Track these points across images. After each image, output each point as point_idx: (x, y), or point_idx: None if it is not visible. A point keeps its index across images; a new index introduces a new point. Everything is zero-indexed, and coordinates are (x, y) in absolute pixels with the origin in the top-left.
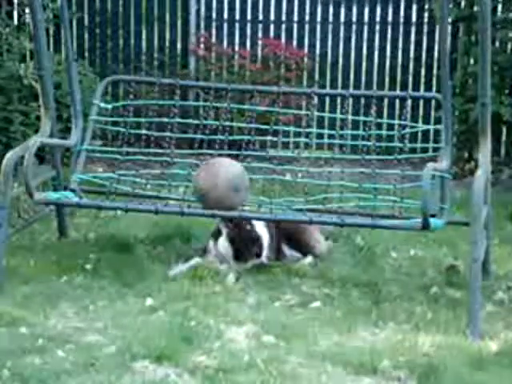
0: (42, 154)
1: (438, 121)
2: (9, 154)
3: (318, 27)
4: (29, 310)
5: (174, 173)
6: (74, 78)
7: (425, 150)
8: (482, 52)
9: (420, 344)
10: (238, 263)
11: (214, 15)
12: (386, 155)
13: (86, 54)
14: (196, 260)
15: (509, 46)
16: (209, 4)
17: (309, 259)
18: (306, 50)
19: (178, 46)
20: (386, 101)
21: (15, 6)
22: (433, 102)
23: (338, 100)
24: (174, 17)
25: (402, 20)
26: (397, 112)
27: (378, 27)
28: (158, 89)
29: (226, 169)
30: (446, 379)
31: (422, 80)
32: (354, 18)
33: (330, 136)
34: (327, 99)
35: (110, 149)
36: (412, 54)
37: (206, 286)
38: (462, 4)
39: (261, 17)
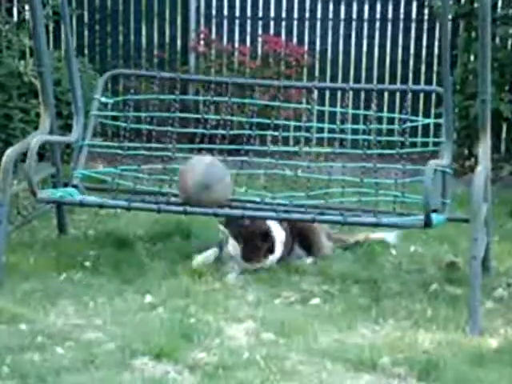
0: (41, 152)
1: (438, 116)
2: (8, 151)
3: (318, 24)
4: (28, 306)
5: (175, 168)
6: (74, 74)
7: (425, 145)
8: (482, 48)
9: (420, 341)
10: (248, 263)
11: (213, 12)
12: (387, 150)
13: (86, 51)
14: (214, 250)
15: (509, 43)
16: (209, 1)
17: (310, 258)
18: (306, 46)
19: (178, 42)
20: (386, 96)
21: (15, 2)
22: (433, 99)
23: (339, 95)
24: (173, 13)
25: (402, 16)
26: (397, 107)
27: (378, 24)
28: (159, 84)
29: (192, 172)
30: (446, 376)
31: (422, 77)
32: (354, 15)
33: (331, 130)
34: (328, 95)
35: (111, 143)
36: (412, 51)
37: (206, 283)
38: (462, 0)
39: (261, 14)
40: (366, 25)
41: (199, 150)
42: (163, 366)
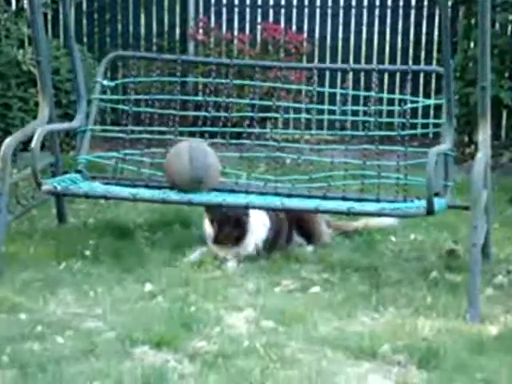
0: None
1: (438, 95)
2: (7, 140)
3: (318, 11)
4: (28, 296)
5: None
6: (76, 61)
7: (426, 126)
8: (482, 35)
9: (420, 328)
10: (217, 246)
11: (212, 0)
12: (388, 131)
13: (85, 40)
14: (201, 250)
15: (509, 29)
16: None
17: (311, 247)
18: (305, 34)
19: (177, 30)
20: (386, 79)
21: None
22: (433, 82)
23: (339, 78)
24: (172, 2)
25: (401, 3)
26: (397, 89)
27: (377, 11)
28: (159, 67)
29: (179, 175)
30: (446, 363)
31: (422, 64)
32: (354, 2)
33: (331, 112)
34: (328, 80)
35: (114, 128)
36: (412, 38)
37: (206, 271)
38: None
39: (260, 1)
40: (365, 12)
41: (201, 134)
42: (163, 355)
